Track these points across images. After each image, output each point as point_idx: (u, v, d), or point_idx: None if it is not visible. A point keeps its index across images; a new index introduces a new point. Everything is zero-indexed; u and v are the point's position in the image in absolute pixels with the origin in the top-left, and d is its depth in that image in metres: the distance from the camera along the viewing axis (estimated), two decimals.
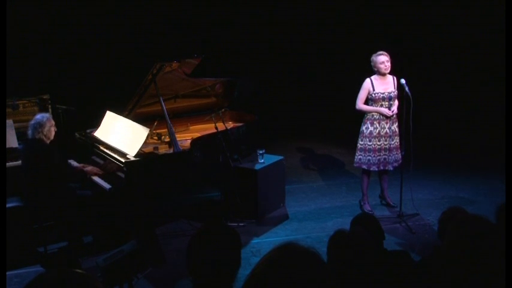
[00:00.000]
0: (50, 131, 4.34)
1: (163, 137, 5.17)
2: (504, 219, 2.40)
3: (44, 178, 4.24)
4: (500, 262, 1.82)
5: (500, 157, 6.46)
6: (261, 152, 5.30)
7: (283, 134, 8.61)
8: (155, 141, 5.15)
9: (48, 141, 4.35)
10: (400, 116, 5.08)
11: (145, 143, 4.50)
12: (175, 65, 4.70)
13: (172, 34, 8.08)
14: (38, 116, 4.36)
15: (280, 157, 5.54)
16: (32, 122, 4.33)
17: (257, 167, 5.19)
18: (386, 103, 5.10)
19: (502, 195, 4.17)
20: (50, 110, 5.44)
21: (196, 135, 5.19)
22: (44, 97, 5.47)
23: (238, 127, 5.36)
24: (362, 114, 5.22)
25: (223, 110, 5.45)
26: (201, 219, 5.25)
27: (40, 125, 4.28)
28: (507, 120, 3.62)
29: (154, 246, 4.39)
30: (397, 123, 5.17)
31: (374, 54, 5.09)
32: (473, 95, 8.51)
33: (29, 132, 4.33)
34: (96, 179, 4.57)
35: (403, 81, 4.93)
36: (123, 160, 4.35)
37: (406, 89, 4.86)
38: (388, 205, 5.53)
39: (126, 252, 3.21)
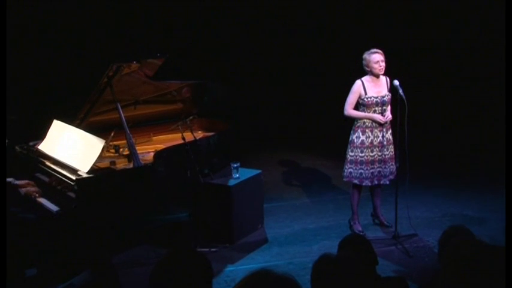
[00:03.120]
0: None
1: (121, 149, 5.14)
2: None
3: None
4: None
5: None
6: (235, 165, 5.32)
7: (261, 145, 8.64)
8: (112, 154, 5.11)
9: None
10: (394, 122, 5.15)
11: (100, 157, 4.48)
12: (134, 66, 4.69)
13: (132, 31, 8.08)
14: None
15: (258, 171, 5.56)
16: None
17: (231, 183, 5.20)
18: (380, 108, 5.15)
19: None
20: None
21: (160, 147, 5.18)
22: None
23: (208, 137, 5.37)
24: (352, 121, 5.26)
25: (191, 117, 5.44)
26: (167, 245, 5.23)
27: None
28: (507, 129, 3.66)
29: (111, 278, 4.33)
30: (391, 131, 5.23)
31: (367, 52, 5.11)
32: (477, 97, 8.62)
33: None
34: (41, 199, 4.50)
35: (396, 82, 4.99)
36: (73, 177, 4.31)
37: (400, 91, 4.91)
38: (381, 225, 5.55)
39: (77, 286, 3.17)
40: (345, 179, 5.35)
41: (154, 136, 5.62)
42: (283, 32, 9.37)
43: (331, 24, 9.22)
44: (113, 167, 4.75)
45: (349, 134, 5.28)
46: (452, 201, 6.22)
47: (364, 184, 5.25)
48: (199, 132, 5.73)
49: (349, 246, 2.94)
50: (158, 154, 4.78)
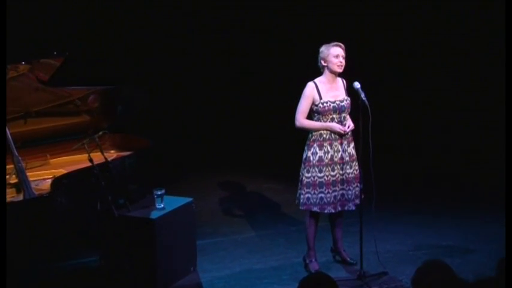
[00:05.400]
0: None
1: (7, 176, 4.98)
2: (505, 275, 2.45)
3: None
4: None
5: (496, 188, 6.69)
6: (159, 193, 5.19)
7: (192, 166, 8.58)
8: None
9: None
10: (355, 133, 5.15)
11: None
12: (23, 67, 4.67)
13: (23, 24, 7.87)
14: None
15: (189, 199, 5.49)
16: None
17: (154, 215, 5.11)
18: (338, 116, 5.14)
19: (502, 243, 4.22)
20: None
21: (61, 172, 5.15)
22: None
23: (124, 158, 5.39)
24: (305, 134, 5.23)
25: (101, 133, 5.33)
26: None
27: None
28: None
29: None
30: (353, 144, 5.24)
31: (325, 45, 5.16)
32: (457, 102, 8.88)
33: None
34: None
35: (357, 85, 5.02)
36: None
37: (362, 95, 4.93)
38: (344, 262, 5.52)
39: None
40: (301, 207, 5.30)
41: (51, 158, 5.53)
42: (224, 24, 9.46)
43: (274, 14, 9.27)
44: None
45: (303, 151, 5.25)
46: (428, 231, 6.23)
47: (326, 211, 5.22)
48: (112, 151, 5.70)
49: None
50: (57, 181, 4.74)
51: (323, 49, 5.14)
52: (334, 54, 5.08)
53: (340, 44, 5.14)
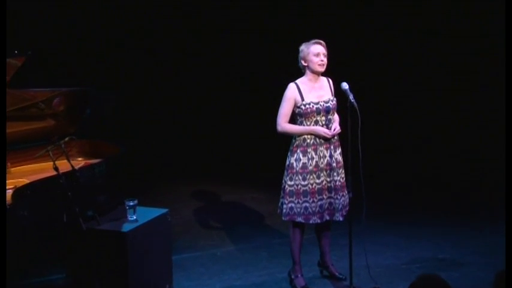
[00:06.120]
0: None
1: None
2: None
3: None
4: None
5: (495, 195, 6.74)
6: (131, 203, 5.13)
7: (167, 174, 8.59)
8: None
9: None
10: (343, 137, 5.11)
11: None
12: None
13: None
14: None
15: (164, 210, 5.43)
16: None
17: (126, 228, 5.03)
18: (323, 118, 5.14)
19: (501, 255, 4.23)
20: None
21: (23, 181, 5.09)
22: None
23: (93, 166, 5.32)
24: (288, 139, 5.23)
25: (67, 139, 5.24)
26: None
27: None
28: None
29: None
30: (340, 150, 5.23)
31: (304, 43, 5.17)
32: (448, 107, 9.00)
33: None
34: None
35: (345, 85, 5.00)
36: None
37: (351, 97, 4.91)
38: (332, 277, 5.52)
39: None
40: (284, 218, 5.27)
41: (13, 167, 5.50)
42: (202, 28, 9.53)
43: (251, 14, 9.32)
44: None
45: (286, 157, 5.23)
46: (423, 242, 6.24)
47: (311, 222, 5.20)
48: (80, 159, 5.71)
49: None
50: (19, 192, 4.67)
51: (303, 48, 5.17)
52: (315, 53, 5.09)
53: (320, 41, 5.15)
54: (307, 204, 5.15)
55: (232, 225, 6.97)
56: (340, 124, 5.21)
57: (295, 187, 5.17)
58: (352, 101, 4.88)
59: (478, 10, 8.47)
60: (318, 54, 5.08)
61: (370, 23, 9.13)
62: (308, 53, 5.10)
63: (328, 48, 5.16)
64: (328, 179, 5.17)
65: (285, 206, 5.23)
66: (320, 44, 5.13)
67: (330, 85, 5.22)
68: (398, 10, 9.05)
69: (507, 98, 4.36)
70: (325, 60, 5.12)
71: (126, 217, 5.12)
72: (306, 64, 5.13)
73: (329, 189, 5.18)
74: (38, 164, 5.39)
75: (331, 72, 5.26)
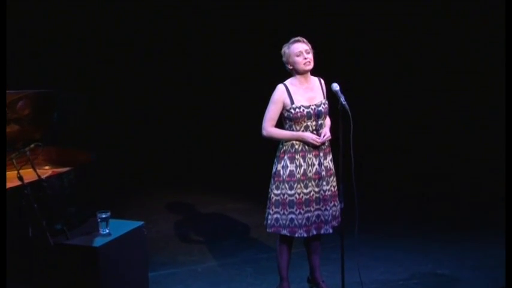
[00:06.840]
0: None
1: None
2: None
3: None
4: None
5: (496, 206, 6.73)
6: (103, 216, 5.11)
7: (144, 183, 8.66)
8: None
9: None
10: (334, 143, 5.09)
11: None
12: None
13: None
14: None
15: (139, 223, 5.42)
16: None
17: (97, 242, 5.01)
18: (314, 123, 5.12)
19: (502, 268, 4.37)
20: None
21: None
22: None
23: (61, 175, 5.26)
24: (275, 145, 5.22)
25: (32, 145, 5.23)
26: None
27: None
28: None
29: None
30: (331, 156, 5.22)
31: (285, 45, 5.16)
32: (446, 110, 9.04)
33: None
34: None
35: (335, 87, 4.93)
36: None
37: (342, 99, 4.84)
38: None
39: None
40: (269, 230, 5.25)
41: None
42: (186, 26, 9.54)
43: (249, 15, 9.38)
44: None
45: (272, 164, 5.20)
46: (420, 257, 6.24)
47: (297, 235, 5.17)
48: (47, 167, 5.66)
49: None
50: None
51: (284, 50, 5.17)
52: (296, 53, 5.08)
53: (299, 38, 5.14)
54: (293, 216, 5.13)
55: (214, 239, 6.96)
56: (331, 128, 5.18)
57: (282, 196, 5.15)
58: (344, 103, 4.81)
59: (478, 10, 8.52)
60: (299, 53, 5.06)
61: (366, 22, 9.19)
62: (290, 55, 5.10)
63: (312, 42, 5.14)
64: (317, 189, 5.15)
65: (270, 217, 5.21)
66: (299, 41, 5.12)
67: (321, 86, 5.19)
68: (396, 8, 9.16)
69: (507, 98, 4.38)
70: (310, 56, 5.09)
71: (98, 231, 5.11)
72: (291, 67, 5.11)
73: (317, 201, 5.16)
74: None
75: (323, 72, 5.25)
